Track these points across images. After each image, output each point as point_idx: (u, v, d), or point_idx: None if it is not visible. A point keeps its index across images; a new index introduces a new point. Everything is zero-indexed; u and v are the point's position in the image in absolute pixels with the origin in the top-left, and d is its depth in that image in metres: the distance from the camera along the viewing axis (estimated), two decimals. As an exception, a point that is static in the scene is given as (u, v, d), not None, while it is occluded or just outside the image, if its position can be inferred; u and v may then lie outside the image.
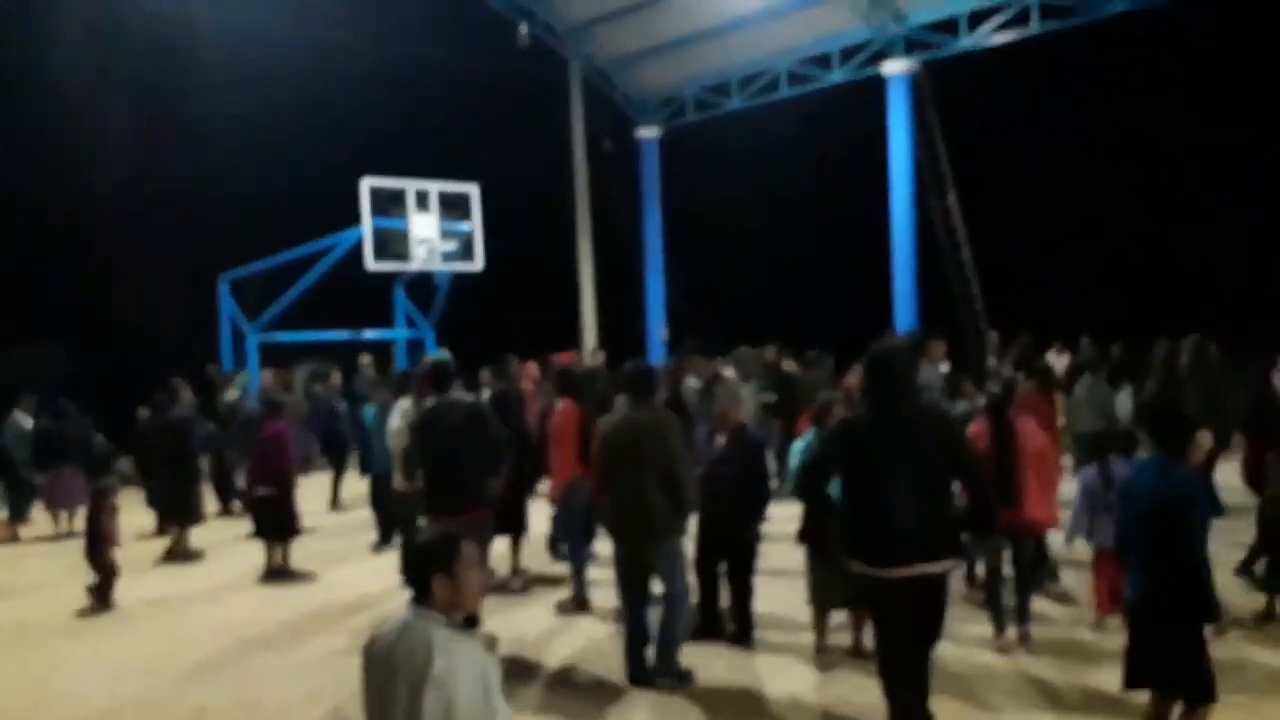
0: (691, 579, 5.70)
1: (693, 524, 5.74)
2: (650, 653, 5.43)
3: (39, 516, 11.08)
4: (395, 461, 7.35)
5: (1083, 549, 6.27)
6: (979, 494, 4.09)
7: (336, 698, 5.44)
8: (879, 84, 15.78)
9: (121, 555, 7.80)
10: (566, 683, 5.59)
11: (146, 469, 10.52)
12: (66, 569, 8.82)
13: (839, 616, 5.82)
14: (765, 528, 6.23)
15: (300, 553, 8.60)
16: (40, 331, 15.65)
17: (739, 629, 6.05)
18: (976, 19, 14.85)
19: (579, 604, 6.83)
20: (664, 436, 5.28)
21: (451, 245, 14.30)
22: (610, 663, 5.75)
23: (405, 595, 2.71)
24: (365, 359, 14.04)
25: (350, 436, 11.76)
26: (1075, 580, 6.76)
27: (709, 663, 5.61)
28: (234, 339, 14.40)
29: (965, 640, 5.82)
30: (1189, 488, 3.93)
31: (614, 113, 19.97)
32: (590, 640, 6.29)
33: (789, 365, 11.57)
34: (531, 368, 11.82)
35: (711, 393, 9.70)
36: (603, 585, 7.38)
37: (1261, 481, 6.73)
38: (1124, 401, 9.68)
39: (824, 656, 5.66)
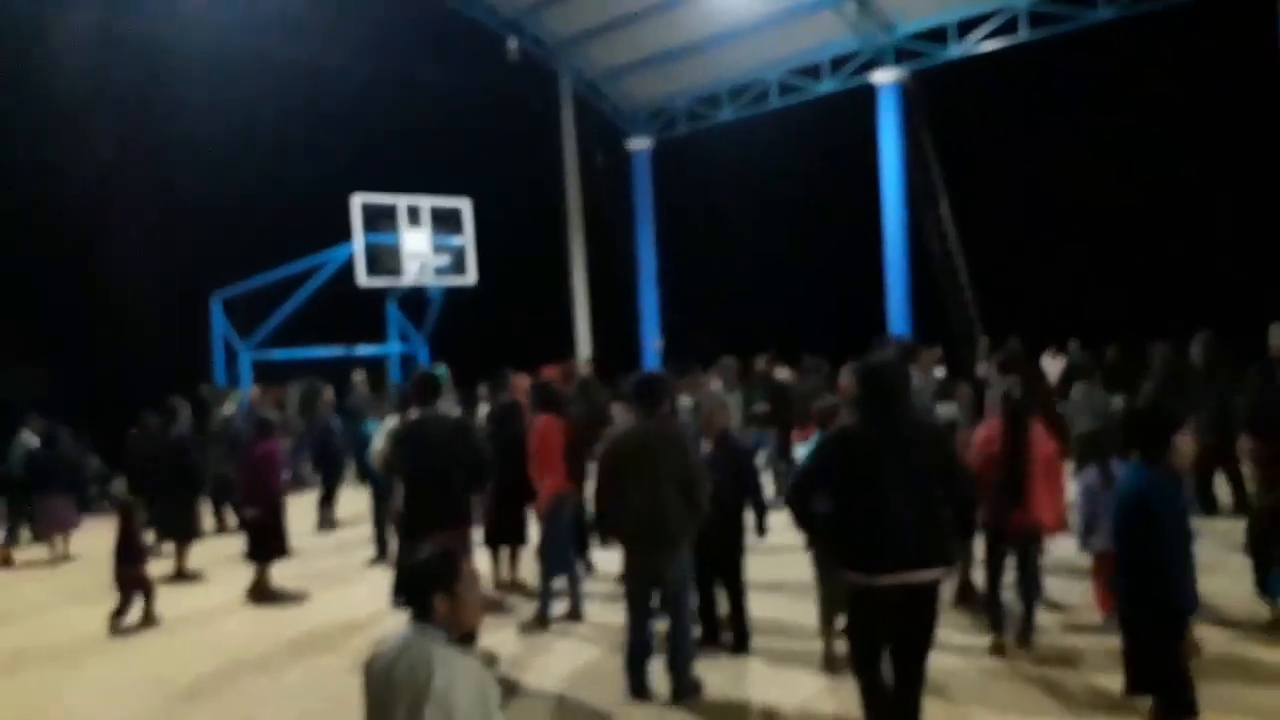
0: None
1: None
2: (650, 665, 5.41)
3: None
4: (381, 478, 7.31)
5: (1070, 552, 6.25)
6: (963, 506, 4.24)
7: (329, 718, 5.43)
8: (869, 93, 15.87)
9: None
10: (563, 698, 5.56)
11: (137, 488, 10.44)
12: (63, 593, 8.81)
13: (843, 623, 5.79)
14: (769, 538, 6.22)
15: (293, 572, 8.55)
16: (29, 351, 15.57)
17: (737, 637, 6.04)
18: (965, 27, 14.96)
19: (542, 621, 6.77)
20: (681, 443, 5.32)
21: (444, 260, 14.33)
22: (607, 676, 5.72)
23: (398, 615, 2.68)
24: (359, 375, 14.02)
25: (344, 454, 11.71)
26: (1063, 587, 6.76)
27: (709, 673, 5.59)
28: (227, 357, 14.36)
29: (961, 649, 5.80)
30: (1155, 490, 3.85)
31: (605, 125, 20.05)
32: (584, 653, 6.26)
33: (782, 373, 11.58)
34: (522, 380, 11.79)
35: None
36: (594, 599, 7.39)
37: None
38: (1119, 405, 9.68)
39: (831, 664, 5.62)
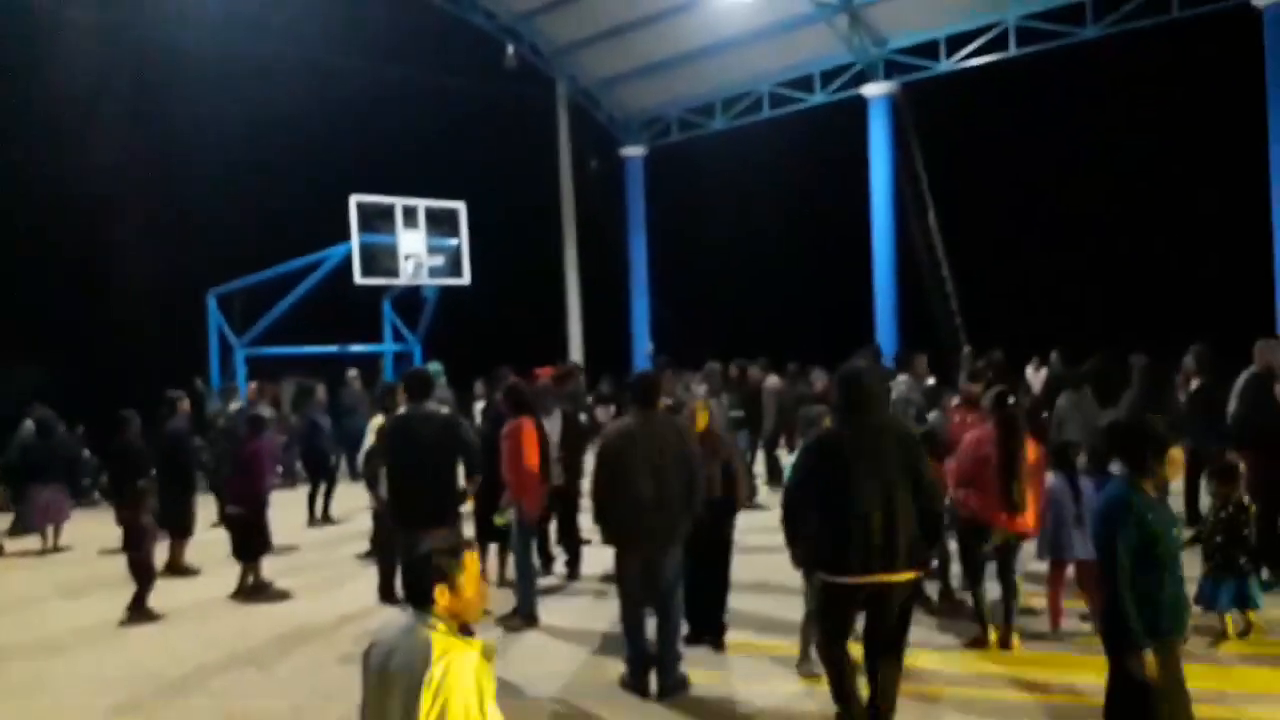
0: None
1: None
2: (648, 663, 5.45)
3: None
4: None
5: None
6: (931, 512, 4.37)
7: (320, 711, 5.43)
8: (860, 105, 16.11)
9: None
10: (551, 692, 5.60)
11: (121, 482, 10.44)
12: (52, 585, 8.80)
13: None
14: (752, 538, 6.30)
15: (282, 568, 8.61)
16: (26, 346, 15.64)
17: (715, 633, 6.11)
18: (955, 43, 15.21)
19: (529, 620, 6.79)
20: (685, 439, 5.38)
21: (439, 260, 14.47)
22: (594, 671, 5.81)
23: (386, 611, 2.74)
24: (352, 372, 14.14)
25: (332, 451, 11.82)
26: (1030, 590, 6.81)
27: (696, 669, 5.62)
28: (221, 353, 14.46)
29: (938, 648, 5.94)
30: (1109, 506, 3.72)
31: (599, 132, 20.27)
32: (571, 649, 6.33)
33: (771, 381, 11.74)
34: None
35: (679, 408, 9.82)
36: (582, 595, 7.53)
37: (1268, 492, 6.59)
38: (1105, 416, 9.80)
39: (806, 666, 5.65)
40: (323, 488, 11.26)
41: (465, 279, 14.87)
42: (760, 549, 7.44)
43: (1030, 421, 6.91)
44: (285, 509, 10.13)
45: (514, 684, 5.64)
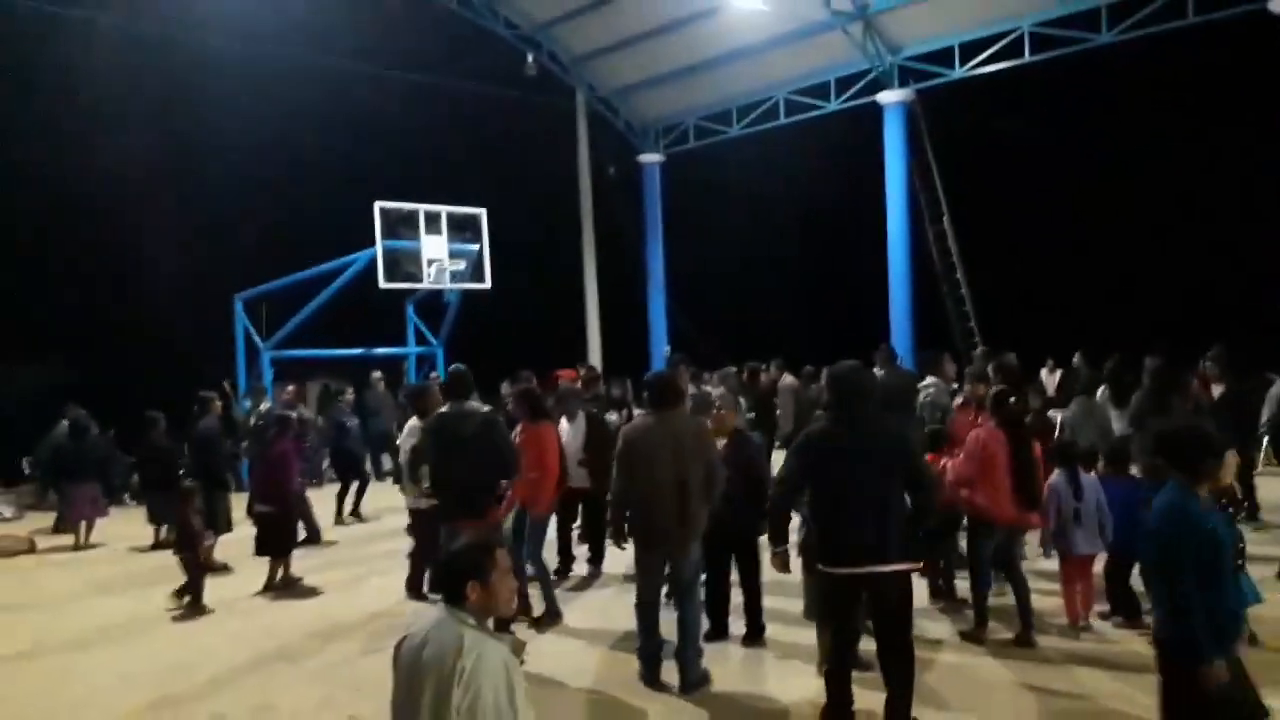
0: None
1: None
2: (661, 658, 5.55)
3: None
4: (404, 475, 7.53)
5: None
6: (925, 502, 4.57)
7: (349, 704, 5.52)
8: (875, 112, 16.23)
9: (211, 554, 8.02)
10: (575, 687, 5.68)
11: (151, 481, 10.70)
12: (83, 582, 8.96)
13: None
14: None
15: (311, 564, 8.78)
16: (58, 348, 16.02)
17: (752, 628, 6.21)
18: (970, 50, 15.31)
19: (554, 616, 6.91)
20: (705, 437, 5.50)
21: (461, 265, 14.71)
22: (617, 667, 5.91)
23: (414, 606, 2.77)
24: (376, 375, 14.41)
25: (359, 451, 12.06)
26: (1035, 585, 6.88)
27: (716, 665, 5.70)
28: (247, 356, 14.76)
29: (939, 643, 6.06)
30: (1167, 516, 3.52)
31: (618, 139, 20.51)
32: (594, 645, 6.42)
33: (786, 380, 11.90)
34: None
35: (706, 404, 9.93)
36: (605, 590, 7.69)
37: None
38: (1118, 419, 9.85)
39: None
40: (354, 486, 11.46)
41: (486, 283, 15.12)
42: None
43: (1036, 420, 7.07)
44: (315, 507, 10.32)
45: (541, 678, 5.71)
